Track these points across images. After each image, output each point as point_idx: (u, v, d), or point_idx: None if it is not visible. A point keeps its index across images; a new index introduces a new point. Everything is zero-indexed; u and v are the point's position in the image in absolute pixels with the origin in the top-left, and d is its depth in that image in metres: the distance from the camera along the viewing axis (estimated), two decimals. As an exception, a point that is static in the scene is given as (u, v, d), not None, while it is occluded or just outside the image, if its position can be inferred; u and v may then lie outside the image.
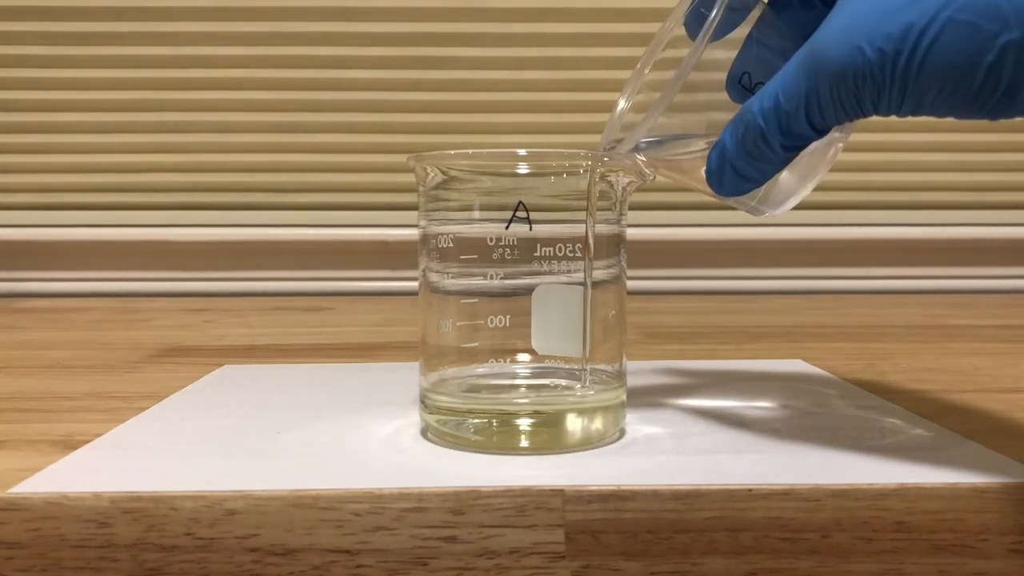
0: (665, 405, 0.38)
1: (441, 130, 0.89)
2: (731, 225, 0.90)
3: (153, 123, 0.89)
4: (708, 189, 0.31)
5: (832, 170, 0.30)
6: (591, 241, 0.31)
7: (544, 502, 0.27)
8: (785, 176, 0.31)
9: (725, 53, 0.32)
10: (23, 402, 0.40)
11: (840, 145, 0.32)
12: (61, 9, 0.86)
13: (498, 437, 0.31)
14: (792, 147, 0.28)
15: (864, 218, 0.91)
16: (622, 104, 0.33)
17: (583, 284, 0.31)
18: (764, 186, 0.31)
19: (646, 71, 0.33)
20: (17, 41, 0.87)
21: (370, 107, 0.89)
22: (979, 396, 0.40)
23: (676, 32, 0.33)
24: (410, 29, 0.88)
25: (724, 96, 0.32)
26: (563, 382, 0.32)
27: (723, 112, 0.30)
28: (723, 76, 0.32)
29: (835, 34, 0.26)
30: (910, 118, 0.26)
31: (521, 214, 0.30)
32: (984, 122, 0.26)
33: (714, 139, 0.30)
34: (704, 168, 0.30)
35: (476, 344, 0.32)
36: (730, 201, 0.32)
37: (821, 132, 0.28)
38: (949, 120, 0.30)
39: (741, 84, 0.31)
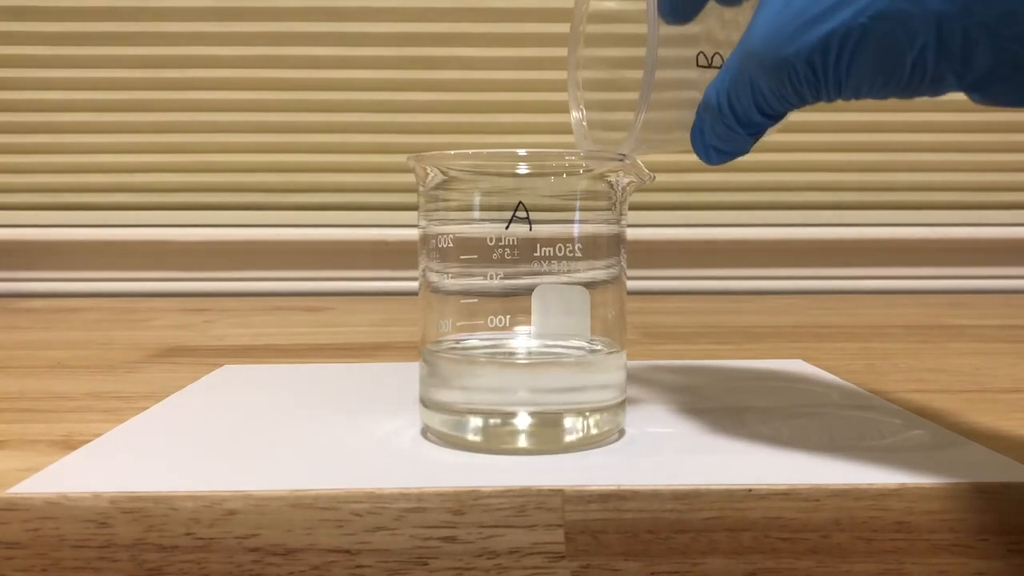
0: (665, 405, 0.38)
1: (441, 130, 0.89)
2: (731, 225, 0.90)
3: (153, 123, 0.89)
4: None
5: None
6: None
7: (544, 502, 0.27)
8: None
9: (671, 30, 0.32)
10: (23, 402, 0.40)
11: None
12: (61, 9, 0.86)
13: (498, 437, 0.31)
14: (756, 132, 0.29)
15: (864, 218, 0.91)
16: (576, 115, 0.33)
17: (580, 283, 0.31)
18: None
19: (578, 72, 0.34)
20: (17, 41, 0.87)
21: (370, 107, 0.89)
22: (979, 396, 0.40)
23: (588, 28, 0.33)
24: (410, 29, 0.88)
25: (687, 77, 0.32)
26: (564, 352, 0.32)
27: (693, 92, 0.31)
28: (680, 54, 0.32)
29: (763, 41, 0.26)
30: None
31: (521, 214, 0.30)
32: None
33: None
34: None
35: (476, 344, 0.32)
36: None
37: (777, 118, 0.29)
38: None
39: (699, 65, 0.32)
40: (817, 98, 0.27)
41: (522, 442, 0.31)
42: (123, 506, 0.26)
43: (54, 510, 0.26)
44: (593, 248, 0.31)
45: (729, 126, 0.29)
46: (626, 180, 0.32)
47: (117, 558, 0.26)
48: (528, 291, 0.31)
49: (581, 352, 0.32)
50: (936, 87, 0.25)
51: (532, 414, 0.31)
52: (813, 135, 0.90)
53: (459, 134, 0.89)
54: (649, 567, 0.27)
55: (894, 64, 0.24)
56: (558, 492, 0.27)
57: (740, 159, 0.31)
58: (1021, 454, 0.30)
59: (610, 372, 0.32)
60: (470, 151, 0.31)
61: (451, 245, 0.31)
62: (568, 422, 0.31)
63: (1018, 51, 0.23)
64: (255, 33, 0.88)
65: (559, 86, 0.88)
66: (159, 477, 0.28)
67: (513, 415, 0.31)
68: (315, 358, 0.52)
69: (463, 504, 0.26)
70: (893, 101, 0.26)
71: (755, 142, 0.30)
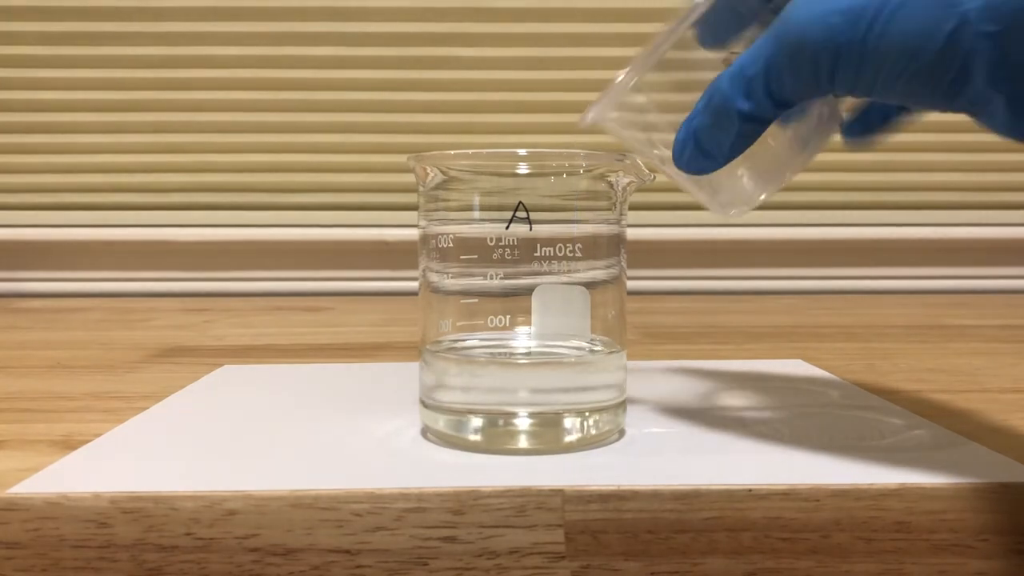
0: (665, 405, 0.38)
1: (441, 130, 0.89)
2: (731, 225, 0.90)
3: (153, 123, 0.89)
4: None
5: (833, 169, 0.30)
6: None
7: (544, 502, 0.27)
8: (747, 178, 0.31)
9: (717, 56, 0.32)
10: (23, 402, 0.40)
11: (807, 155, 0.32)
12: (61, 9, 0.86)
13: (498, 437, 0.31)
14: (752, 118, 0.28)
15: (864, 218, 0.91)
16: (623, 78, 0.31)
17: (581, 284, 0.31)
18: (727, 182, 0.31)
19: (648, 68, 0.33)
20: (17, 41, 0.87)
21: (370, 107, 0.89)
22: (979, 396, 0.40)
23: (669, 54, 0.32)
24: (410, 29, 0.88)
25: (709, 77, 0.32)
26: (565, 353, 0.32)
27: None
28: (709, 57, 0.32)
29: (794, 10, 0.26)
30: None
31: (521, 214, 0.30)
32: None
33: None
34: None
35: (476, 344, 0.32)
36: (698, 194, 0.32)
37: (778, 105, 0.28)
38: (950, 119, 0.30)
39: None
40: (832, 77, 0.26)
41: (522, 442, 0.31)
42: (123, 506, 0.26)
43: (54, 510, 0.26)
44: (593, 248, 0.31)
45: (727, 102, 0.28)
46: (626, 180, 0.32)
47: (117, 558, 0.26)
48: (528, 291, 0.31)
49: (581, 352, 0.32)
50: (960, 84, 0.24)
51: (532, 414, 0.31)
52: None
53: (459, 134, 0.89)
54: (649, 567, 0.27)
55: (929, 31, 0.23)
56: (558, 492, 0.27)
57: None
58: (1021, 454, 0.30)
59: (610, 372, 0.32)
60: (470, 151, 0.31)
61: (451, 245, 0.31)
62: (568, 422, 0.31)
63: None
64: (255, 33, 0.88)
65: (559, 86, 0.89)
66: (159, 477, 0.28)
67: (513, 415, 0.31)
68: (315, 358, 0.52)
69: (463, 504, 0.26)
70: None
71: (736, 152, 0.29)
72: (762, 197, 0.32)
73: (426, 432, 0.33)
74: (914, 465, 0.29)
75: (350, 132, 0.89)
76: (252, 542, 0.26)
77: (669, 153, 0.31)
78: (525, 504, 0.27)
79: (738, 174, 0.32)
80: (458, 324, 0.32)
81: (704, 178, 0.31)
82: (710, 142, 0.29)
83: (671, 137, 0.30)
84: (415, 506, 0.26)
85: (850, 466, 0.29)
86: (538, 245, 0.31)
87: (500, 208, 0.31)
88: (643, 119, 0.32)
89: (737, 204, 0.33)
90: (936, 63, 0.24)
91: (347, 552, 0.26)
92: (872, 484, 0.27)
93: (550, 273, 0.31)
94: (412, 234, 0.34)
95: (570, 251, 0.31)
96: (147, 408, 0.38)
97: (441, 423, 0.32)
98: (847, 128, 0.34)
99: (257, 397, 0.41)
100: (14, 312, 0.77)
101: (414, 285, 0.33)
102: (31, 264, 0.88)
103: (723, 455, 0.31)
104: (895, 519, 0.27)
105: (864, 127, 0.34)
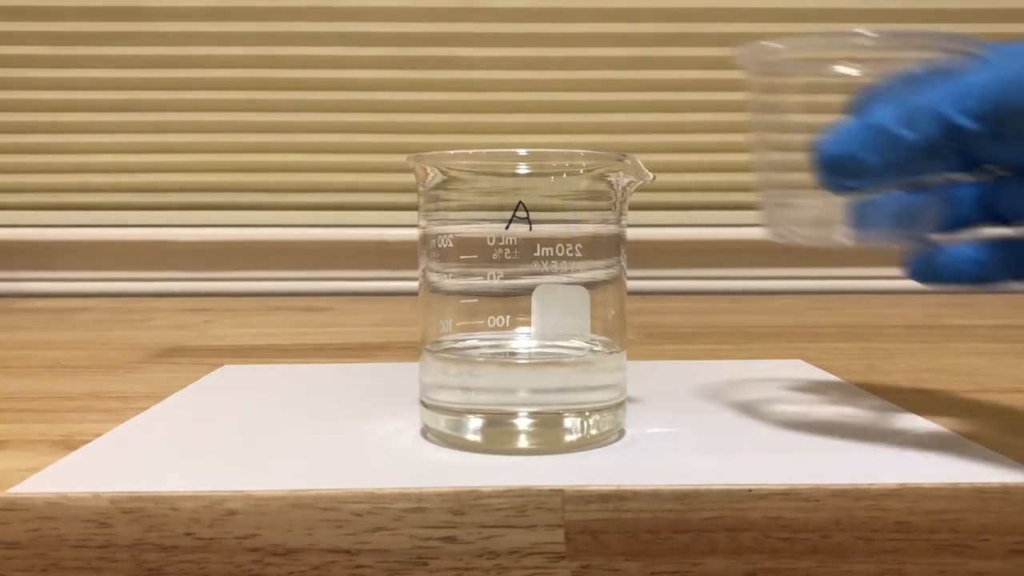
0: (665, 405, 0.38)
1: (441, 130, 0.89)
2: (731, 225, 0.90)
3: (153, 123, 0.89)
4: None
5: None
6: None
7: (544, 502, 0.27)
8: (841, 216, 0.30)
9: None
10: (23, 402, 0.40)
11: (886, 237, 0.32)
12: (61, 9, 0.86)
13: (498, 437, 0.31)
14: (958, 135, 0.25)
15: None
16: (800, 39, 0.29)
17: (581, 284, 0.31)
18: (819, 202, 0.30)
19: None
20: (17, 41, 0.87)
21: (370, 107, 0.89)
22: (979, 396, 0.40)
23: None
24: (410, 29, 0.88)
25: None
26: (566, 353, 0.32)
27: None
28: None
29: None
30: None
31: (521, 214, 0.30)
32: None
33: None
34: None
35: (476, 344, 0.32)
36: (773, 183, 0.31)
37: (993, 135, 0.25)
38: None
39: None
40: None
41: (522, 442, 0.31)
42: (123, 506, 0.26)
43: (54, 510, 0.26)
44: (593, 248, 0.31)
45: (927, 114, 0.25)
46: (626, 180, 0.32)
47: (117, 558, 0.26)
48: (528, 291, 0.31)
49: (581, 352, 0.32)
50: None
51: (532, 414, 0.31)
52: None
53: (459, 134, 0.89)
54: (649, 567, 0.27)
55: None
56: (558, 492, 0.27)
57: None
58: (1021, 454, 0.30)
59: (610, 372, 0.32)
60: (470, 151, 0.31)
61: (451, 245, 0.31)
62: (568, 422, 0.31)
63: None
64: (255, 33, 0.88)
65: (559, 86, 0.89)
66: (159, 477, 0.28)
67: (513, 415, 0.31)
68: (315, 358, 0.52)
69: (463, 504, 0.26)
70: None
71: (904, 170, 0.27)
72: (816, 241, 0.31)
73: (426, 432, 0.33)
74: (914, 465, 0.29)
75: (350, 132, 0.89)
76: (252, 542, 0.26)
77: (801, 119, 0.29)
78: (525, 504, 0.27)
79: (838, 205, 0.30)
80: (458, 324, 0.32)
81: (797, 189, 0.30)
82: (887, 143, 0.26)
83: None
84: (415, 506, 0.26)
85: (850, 466, 0.29)
86: (538, 245, 0.31)
87: (500, 208, 0.31)
88: (782, 82, 0.31)
89: (802, 232, 0.31)
90: None
91: (347, 552, 0.26)
92: (872, 484, 0.27)
93: (550, 273, 0.31)
94: (412, 234, 0.34)
95: (570, 251, 0.31)
96: (147, 408, 0.38)
97: (441, 423, 0.32)
98: (916, 264, 0.34)
99: (257, 397, 0.41)
100: (14, 312, 0.77)
101: (414, 285, 0.33)
102: (31, 264, 0.88)
103: (723, 455, 0.31)
104: (895, 519, 0.27)
105: (926, 272, 0.34)
